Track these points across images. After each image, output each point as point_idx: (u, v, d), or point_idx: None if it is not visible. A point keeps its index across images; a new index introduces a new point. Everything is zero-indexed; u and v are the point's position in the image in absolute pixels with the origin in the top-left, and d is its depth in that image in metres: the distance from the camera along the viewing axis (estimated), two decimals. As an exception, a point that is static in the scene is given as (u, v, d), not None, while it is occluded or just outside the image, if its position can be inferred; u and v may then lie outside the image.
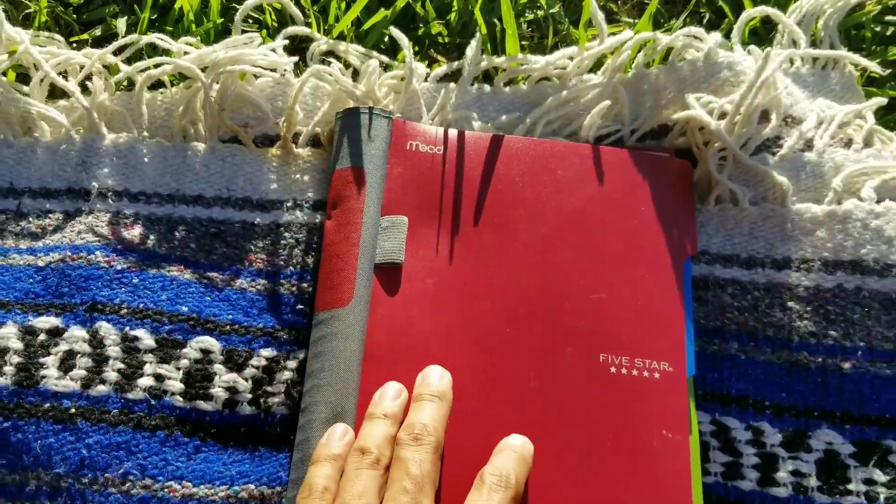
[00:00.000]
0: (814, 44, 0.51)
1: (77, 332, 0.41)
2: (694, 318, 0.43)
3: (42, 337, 0.41)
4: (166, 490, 0.39)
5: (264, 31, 0.52)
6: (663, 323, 0.42)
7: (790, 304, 0.43)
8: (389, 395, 0.38)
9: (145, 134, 0.47)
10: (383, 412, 0.37)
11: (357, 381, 0.40)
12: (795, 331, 0.42)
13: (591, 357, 0.41)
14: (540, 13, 0.54)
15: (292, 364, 0.42)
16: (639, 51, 0.49)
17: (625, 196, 0.44)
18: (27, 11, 0.54)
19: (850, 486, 0.40)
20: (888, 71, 0.50)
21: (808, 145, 0.46)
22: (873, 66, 0.49)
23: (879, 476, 0.40)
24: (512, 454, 0.37)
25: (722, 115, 0.45)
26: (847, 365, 0.42)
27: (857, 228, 0.43)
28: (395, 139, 0.45)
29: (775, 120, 0.45)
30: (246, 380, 0.42)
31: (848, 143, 0.46)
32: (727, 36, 0.50)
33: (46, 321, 0.41)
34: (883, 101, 0.47)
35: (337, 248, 0.43)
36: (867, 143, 0.46)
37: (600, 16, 0.48)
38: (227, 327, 0.42)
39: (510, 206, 0.44)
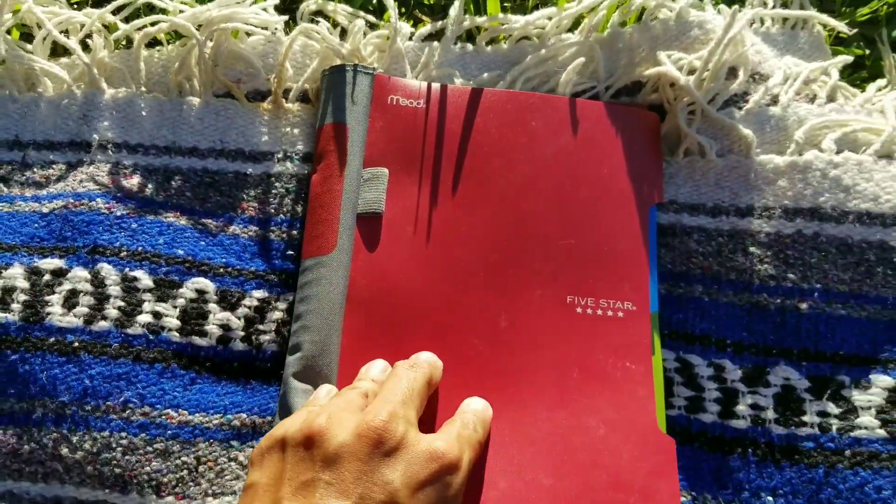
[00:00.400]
0: (784, 4, 0.53)
1: (80, 273, 0.44)
2: (661, 264, 0.46)
3: (47, 277, 0.44)
4: (164, 417, 0.41)
5: (256, -7, 0.54)
6: (628, 266, 0.44)
7: (752, 249, 0.45)
8: (377, 368, 0.40)
9: (143, 89, 0.50)
10: (371, 378, 0.39)
11: (340, 322, 0.42)
12: (756, 274, 0.45)
13: (558, 299, 0.43)
14: (522, -24, 0.56)
15: (282, 305, 0.45)
16: (614, 11, 0.51)
17: (595, 146, 0.46)
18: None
19: (805, 418, 0.42)
20: (855, 31, 0.52)
21: (774, 100, 0.48)
22: (840, 26, 0.51)
23: (832, 409, 0.43)
24: (474, 416, 0.39)
25: (691, 72, 0.47)
26: (804, 306, 0.44)
27: (816, 178, 0.45)
28: (376, 94, 0.47)
29: (742, 76, 0.48)
30: (238, 318, 0.44)
31: (812, 99, 0.48)
32: (700, -3, 0.52)
33: (51, 263, 0.44)
34: (848, 59, 0.50)
35: (321, 199, 0.45)
36: (831, 98, 0.48)
37: (577, -23, 0.50)
38: (221, 270, 0.45)
39: (487, 157, 0.46)
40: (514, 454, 0.40)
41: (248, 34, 0.50)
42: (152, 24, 0.49)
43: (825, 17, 0.51)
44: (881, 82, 0.50)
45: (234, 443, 0.42)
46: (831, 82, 0.48)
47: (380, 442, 0.33)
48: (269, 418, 0.43)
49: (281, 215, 0.47)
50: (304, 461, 0.33)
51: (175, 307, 0.44)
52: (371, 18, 0.51)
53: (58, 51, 0.52)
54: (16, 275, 0.44)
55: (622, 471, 0.40)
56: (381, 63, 0.50)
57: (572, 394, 0.41)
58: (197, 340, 0.43)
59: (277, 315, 0.45)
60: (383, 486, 0.32)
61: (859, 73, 0.52)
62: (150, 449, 0.41)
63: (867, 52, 0.53)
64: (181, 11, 0.50)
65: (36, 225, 0.46)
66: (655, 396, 0.42)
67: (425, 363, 0.39)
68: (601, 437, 0.41)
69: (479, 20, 0.51)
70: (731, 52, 0.47)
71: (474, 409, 0.40)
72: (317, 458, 0.32)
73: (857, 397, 0.43)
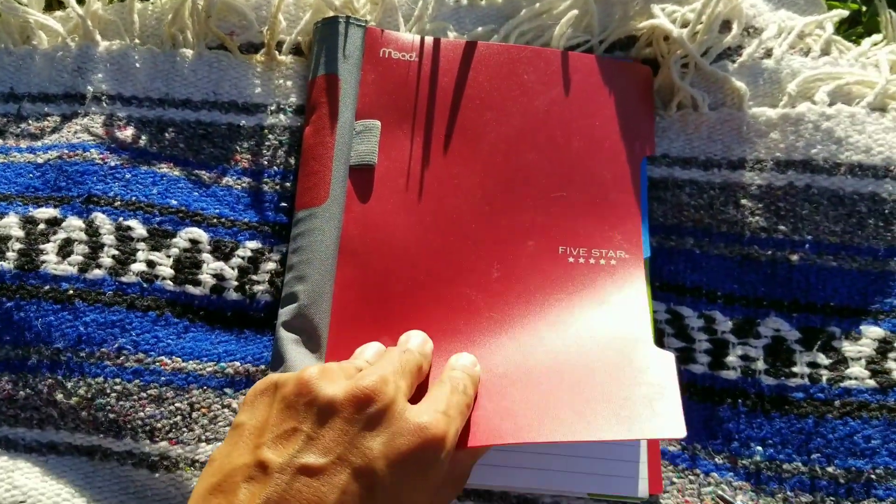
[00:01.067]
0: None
1: (74, 222, 0.44)
2: (653, 217, 0.46)
3: (41, 226, 0.44)
4: (157, 364, 0.42)
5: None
6: (620, 216, 0.44)
7: (743, 201, 0.45)
8: (372, 349, 0.40)
9: (137, 41, 0.50)
10: (366, 359, 0.39)
11: (333, 272, 0.43)
12: (748, 226, 0.45)
13: (550, 249, 0.44)
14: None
15: (276, 256, 0.45)
16: (609, -35, 0.50)
17: (587, 98, 0.46)
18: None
19: (795, 369, 0.43)
20: (851, -14, 0.52)
21: (768, 53, 0.48)
22: (836, -18, 0.51)
23: (822, 359, 0.43)
24: (463, 375, 0.38)
25: (685, 25, 0.47)
26: (795, 257, 0.44)
27: (808, 130, 0.45)
28: (368, 46, 0.47)
29: (736, 29, 0.48)
30: (232, 268, 0.45)
31: (806, 53, 0.48)
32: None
33: (45, 212, 0.44)
34: (843, 13, 0.49)
35: (313, 151, 0.45)
36: (825, 52, 0.48)
37: (572, -70, 0.50)
38: (215, 220, 0.45)
39: (479, 110, 0.46)
40: (510, 391, 0.40)
41: (242, -13, 0.50)
42: (146, -23, 0.49)
43: (821, -27, 0.51)
44: (876, 37, 0.50)
45: (227, 390, 0.42)
46: (825, 36, 0.48)
47: (367, 404, 0.32)
48: (263, 367, 0.43)
49: (274, 167, 0.47)
50: (290, 408, 0.32)
51: (169, 256, 0.44)
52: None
53: (52, 4, 0.52)
54: (11, 224, 0.44)
55: (622, 383, 0.39)
56: (374, 16, 0.50)
57: (567, 331, 0.41)
58: (191, 289, 0.44)
59: (271, 266, 0.45)
60: (363, 451, 0.31)
61: (855, 29, 0.52)
62: (143, 395, 0.41)
63: (863, 7, 0.53)
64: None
65: (31, 175, 0.46)
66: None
67: (416, 351, 0.39)
68: (600, 357, 0.40)
69: (474, -26, 0.51)
70: (724, 4, 0.47)
71: (463, 366, 0.39)
72: (302, 407, 0.32)
73: (848, 348, 0.43)
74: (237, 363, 0.43)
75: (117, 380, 0.41)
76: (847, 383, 0.42)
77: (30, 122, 0.48)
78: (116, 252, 0.44)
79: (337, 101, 0.45)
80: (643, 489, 0.40)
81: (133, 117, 0.47)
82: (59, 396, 0.41)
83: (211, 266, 0.44)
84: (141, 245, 0.44)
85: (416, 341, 0.40)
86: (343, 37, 0.47)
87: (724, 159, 0.46)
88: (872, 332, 0.43)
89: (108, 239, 0.44)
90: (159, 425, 0.41)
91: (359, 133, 0.45)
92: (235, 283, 0.44)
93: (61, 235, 0.44)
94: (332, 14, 0.49)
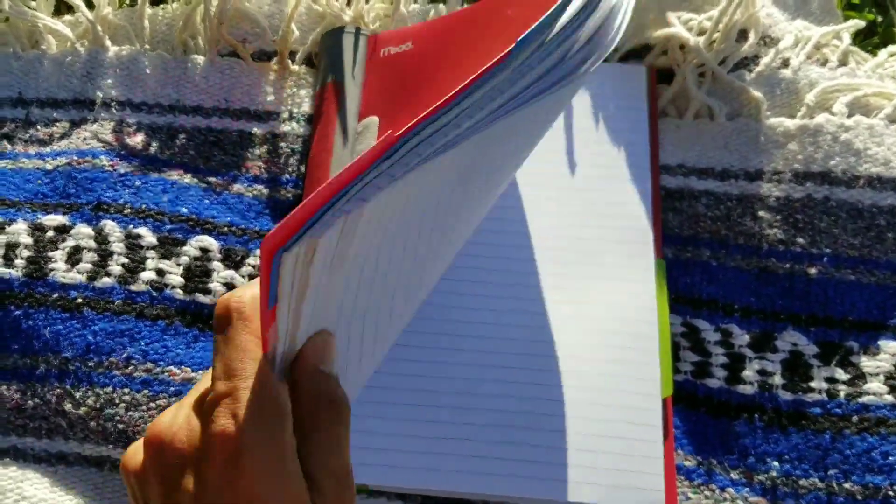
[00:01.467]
0: (796, -30, 0.52)
1: (83, 230, 0.44)
2: (669, 227, 0.45)
3: (50, 233, 0.44)
4: (166, 374, 0.41)
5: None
6: None
7: (761, 213, 0.45)
8: None
9: (147, 47, 0.49)
10: None
11: None
12: (765, 238, 0.44)
13: None
14: (531, -60, 0.55)
15: (286, 265, 0.45)
16: (624, -27, 0.50)
17: None
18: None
19: (813, 384, 0.42)
20: (867, -4, 0.52)
21: (785, 63, 0.47)
22: (853, -8, 0.50)
23: (841, 374, 0.42)
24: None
25: (701, 33, 0.47)
26: (813, 270, 0.44)
27: (827, 141, 0.45)
28: (370, 52, 0.47)
29: (753, 38, 0.47)
30: (243, 277, 0.44)
31: (824, 63, 0.48)
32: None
33: (54, 219, 0.44)
34: (860, 23, 0.49)
35: (317, 159, 0.45)
36: (842, 62, 0.48)
37: (587, -62, 0.49)
38: (225, 228, 0.45)
39: (471, 67, 0.45)
40: None
41: (254, -7, 0.50)
42: (157, -18, 0.49)
43: (838, -18, 0.51)
44: (893, 48, 0.49)
45: (237, 401, 0.42)
46: (843, 46, 0.48)
47: (158, 446, 0.27)
48: (273, 377, 0.43)
49: (286, 175, 0.47)
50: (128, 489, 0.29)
51: (179, 265, 0.44)
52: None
53: (61, 8, 0.51)
54: (19, 231, 0.44)
55: None
56: (385, 28, 0.49)
57: None
58: (201, 298, 0.43)
59: (281, 275, 0.44)
60: (181, 496, 0.26)
61: (871, 40, 0.52)
62: (152, 405, 0.41)
63: (879, 18, 0.52)
64: (186, -31, 0.50)
65: (39, 182, 0.45)
66: (661, 360, 0.42)
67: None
68: None
69: (487, -18, 0.50)
70: (741, 13, 0.46)
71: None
72: (128, 483, 0.29)
73: (866, 363, 0.42)
74: (247, 374, 0.42)
75: (126, 390, 0.41)
76: (865, 399, 0.42)
77: (38, 127, 0.48)
78: (126, 260, 0.43)
79: (338, 108, 0.45)
80: (660, 502, 0.39)
81: (143, 124, 0.47)
82: (68, 406, 0.41)
83: (221, 275, 0.44)
84: (151, 253, 0.44)
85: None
86: (345, 46, 0.47)
87: (742, 170, 0.45)
88: (891, 347, 0.42)
89: (118, 247, 0.43)
90: (168, 436, 0.40)
91: (359, 134, 0.45)
92: (246, 293, 0.44)
93: (70, 243, 0.43)
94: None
